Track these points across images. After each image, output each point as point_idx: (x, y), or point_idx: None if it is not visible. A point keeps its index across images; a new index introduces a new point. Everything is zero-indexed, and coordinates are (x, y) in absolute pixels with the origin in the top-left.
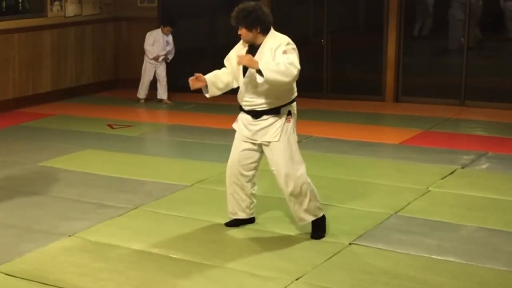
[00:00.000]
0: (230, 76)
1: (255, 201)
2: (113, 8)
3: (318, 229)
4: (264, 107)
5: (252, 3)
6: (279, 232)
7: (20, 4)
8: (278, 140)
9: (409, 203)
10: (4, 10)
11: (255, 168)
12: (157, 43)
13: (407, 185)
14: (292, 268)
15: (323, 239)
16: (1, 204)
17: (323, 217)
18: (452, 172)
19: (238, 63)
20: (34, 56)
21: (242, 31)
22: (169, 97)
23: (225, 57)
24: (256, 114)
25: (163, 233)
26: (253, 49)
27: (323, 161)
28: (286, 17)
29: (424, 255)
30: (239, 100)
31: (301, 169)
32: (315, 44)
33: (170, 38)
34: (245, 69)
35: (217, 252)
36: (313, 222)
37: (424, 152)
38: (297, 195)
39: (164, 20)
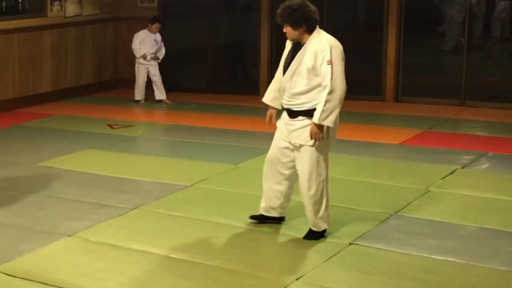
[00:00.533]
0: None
1: (289, 202)
2: (113, 8)
3: (314, 236)
4: (300, 107)
5: (298, 0)
6: (279, 232)
7: (20, 4)
8: (311, 145)
9: (409, 203)
10: (4, 10)
11: (293, 168)
12: (144, 43)
13: (407, 185)
14: (292, 268)
15: (323, 239)
16: (1, 204)
17: (325, 230)
18: (452, 172)
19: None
20: (34, 56)
21: (287, 29)
22: (168, 97)
23: (224, 57)
24: (292, 114)
25: (163, 233)
26: (297, 48)
27: None
28: None
29: (424, 255)
30: (280, 97)
31: (324, 175)
32: None
33: (158, 36)
34: (286, 67)
35: (217, 252)
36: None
37: (424, 152)
38: (316, 200)
39: (152, 18)
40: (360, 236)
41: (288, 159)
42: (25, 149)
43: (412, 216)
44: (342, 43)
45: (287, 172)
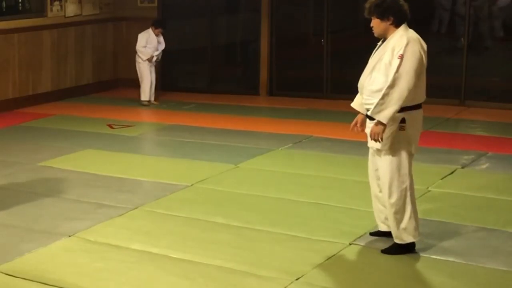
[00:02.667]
0: None
1: None
2: (113, 8)
3: (398, 250)
4: None
5: None
6: (279, 232)
7: (20, 4)
8: (386, 149)
9: None
10: (4, 10)
11: None
12: (150, 45)
13: None
14: (292, 268)
15: (324, 238)
16: (2, 204)
17: (413, 244)
18: (452, 172)
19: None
20: (34, 56)
21: (374, 22)
22: (168, 97)
23: (223, 57)
24: (369, 115)
25: (162, 233)
26: (381, 44)
27: (323, 161)
28: (286, 17)
29: (424, 255)
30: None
31: (407, 183)
32: (315, 44)
33: (161, 38)
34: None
35: (217, 252)
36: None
37: (424, 152)
38: (399, 209)
39: (155, 22)
40: (360, 237)
41: (376, 167)
42: (25, 149)
43: None
44: (342, 43)
45: (380, 181)
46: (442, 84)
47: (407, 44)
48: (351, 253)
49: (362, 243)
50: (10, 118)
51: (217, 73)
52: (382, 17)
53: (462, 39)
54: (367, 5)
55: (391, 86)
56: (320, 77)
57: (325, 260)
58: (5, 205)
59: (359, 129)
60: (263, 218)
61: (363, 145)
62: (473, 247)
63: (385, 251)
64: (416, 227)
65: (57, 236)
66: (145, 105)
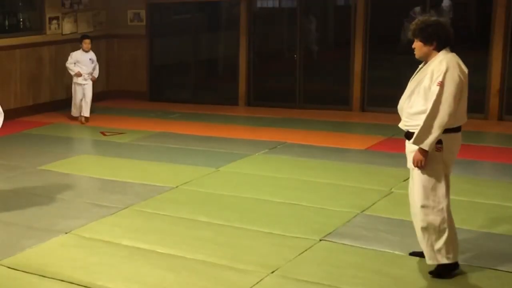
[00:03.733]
0: None
1: None
2: (105, 27)
3: (440, 272)
4: (416, 129)
5: (435, 18)
6: (256, 229)
7: (21, 23)
8: (422, 169)
9: (374, 203)
10: (7, 28)
11: None
12: (81, 63)
13: (372, 187)
14: (268, 262)
15: (296, 235)
16: (4, 204)
17: (454, 265)
18: None
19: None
20: (34, 70)
21: (417, 45)
22: (155, 107)
23: (206, 71)
24: (409, 136)
25: (151, 230)
26: (422, 66)
27: (295, 165)
28: (263, 34)
29: (387, 250)
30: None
31: (444, 204)
32: (288, 58)
33: (93, 55)
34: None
35: (200, 248)
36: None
37: (387, 157)
38: (433, 230)
39: (81, 36)
40: (329, 233)
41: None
42: (25, 154)
43: (377, 215)
44: (313, 58)
45: None
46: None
47: (446, 71)
48: (321, 248)
49: (332, 240)
50: (12, 126)
51: (200, 85)
52: (425, 42)
53: None
54: (412, 26)
55: (432, 114)
56: (293, 89)
57: (298, 255)
58: (7, 205)
59: None
60: (242, 217)
61: (332, 150)
62: None
63: (433, 274)
64: (453, 249)
65: (55, 233)
66: (75, 118)
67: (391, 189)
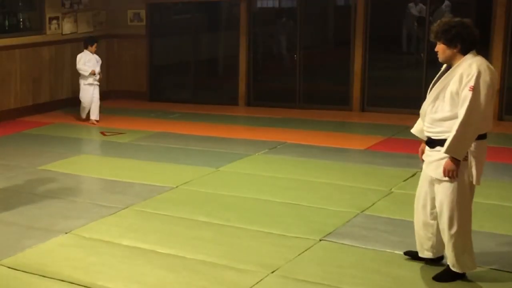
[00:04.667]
0: None
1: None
2: (105, 27)
3: (445, 277)
4: (440, 135)
5: (458, 19)
6: (256, 229)
7: (21, 23)
8: (448, 180)
9: (373, 203)
10: (7, 28)
11: None
12: (89, 63)
13: (372, 187)
14: (268, 262)
15: (296, 235)
16: (4, 204)
17: (463, 274)
18: (413, 175)
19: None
20: (34, 70)
21: (440, 47)
22: (155, 107)
23: (206, 71)
24: (431, 143)
25: (150, 230)
26: (446, 70)
27: (295, 165)
28: (262, 34)
29: (387, 250)
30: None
31: (468, 214)
32: (288, 58)
33: (97, 56)
34: (431, 90)
35: (200, 248)
36: (449, 269)
37: (387, 157)
38: (459, 241)
39: (89, 41)
40: (329, 233)
41: (433, 195)
42: (25, 154)
43: (377, 215)
44: (313, 58)
45: (434, 210)
46: (403, 95)
47: (478, 75)
48: (321, 248)
49: (331, 240)
50: (12, 126)
51: (200, 85)
52: (449, 44)
53: (422, 54)
54: (434, 28)
55: (466, 121)
56: (293, 89)
57: (298, 255)
58: (7, 205)
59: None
60: (242, 217)
61: (332, 150)
62: None
63: (436, 278)
64: (472, 260)
65: (55, 233)
66: (84, 120)
67: (391, 189)
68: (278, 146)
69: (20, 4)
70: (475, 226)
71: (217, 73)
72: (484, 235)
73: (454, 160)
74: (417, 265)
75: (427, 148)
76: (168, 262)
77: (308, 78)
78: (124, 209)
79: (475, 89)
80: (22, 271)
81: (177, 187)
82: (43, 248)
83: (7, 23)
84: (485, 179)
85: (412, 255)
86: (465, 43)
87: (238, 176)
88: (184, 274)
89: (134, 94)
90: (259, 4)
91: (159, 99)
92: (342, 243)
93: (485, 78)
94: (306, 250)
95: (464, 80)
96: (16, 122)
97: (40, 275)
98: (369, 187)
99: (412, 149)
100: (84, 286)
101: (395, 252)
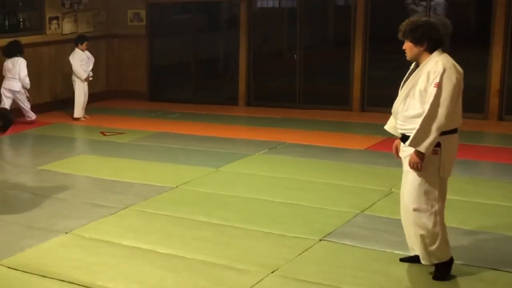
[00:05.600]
0: None
1: None
2: (105, 26)
3: (441, 272)
4: (411, 132)
5: (425, 18)
6: (256, 229)
7: (21, 23)
8: (417, 172)
9: (373, 203)
10: (7, 28)
11: None
12: (83, 62)
13: (372, 187)
14: (268, 262)
15: (296, 235)
16: (4, 204)
17: (450, 261)
18: None
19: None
20: (34, 70)
21: (407, 46)
22: (155, 107)
23: (206, 70)
24: (404, 139)
25: (150, 230)
26: (415, 68)
27: (295, 165)
28: (263, 35)
29: (387, 250)
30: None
31: (436, 207)
32: (288, 59)
33: (88, 53)
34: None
35: (200, 248)
36: (436, 264)
37: (387, 157)
38: (426, 234)
39: (79, 39)
40: (329, 233)
41: None
42: (26, 154)
43: (377, 215)
44: (313, 58)
45: None
46: None
47: (443, 72)
48: (321, 248)
49: (331, 239)
50: (12, 126)
51: (200, 85)
52: (416, 42)
53: None
54: (401, 27)
55: (429, 115)
56: (293, 89)
57: (298, 255)
58: (7, 205)
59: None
60: (242, 217)
61: (332, 150)
62: None
63: (437, 278)
64: (446, 250)
65: (55, 233)
66: (77, 119)
67: (391, 189)
68: (278, 146)
69: (20, 4)
70: (475, 226)
71: (217, 73)
72: (484, 235)
73: (419, 153)
74: (417, 265)
75: (402, 144)
76: (168, 262)
77: (308, 78)
78: (124, 209)
79: (440, 86)
80: (22, 271)
81: (177, 187)
82: (43, 248)
83: (7, 23)
84: (485, 179)
85: (410, 260)
86: (432, 42)
87: (238, 176)
88: (184, 274)
89: (134, 94)
90: (259, 4)
91: (159, 99)
92: (342, 243)
93: (450, 75)
94: (306, 250)
95: (431, 78)
96: (16, 122)
97: (40, 275)
98: (369, 187)
99: None
100: (84, 286)
101: (395, 252)
